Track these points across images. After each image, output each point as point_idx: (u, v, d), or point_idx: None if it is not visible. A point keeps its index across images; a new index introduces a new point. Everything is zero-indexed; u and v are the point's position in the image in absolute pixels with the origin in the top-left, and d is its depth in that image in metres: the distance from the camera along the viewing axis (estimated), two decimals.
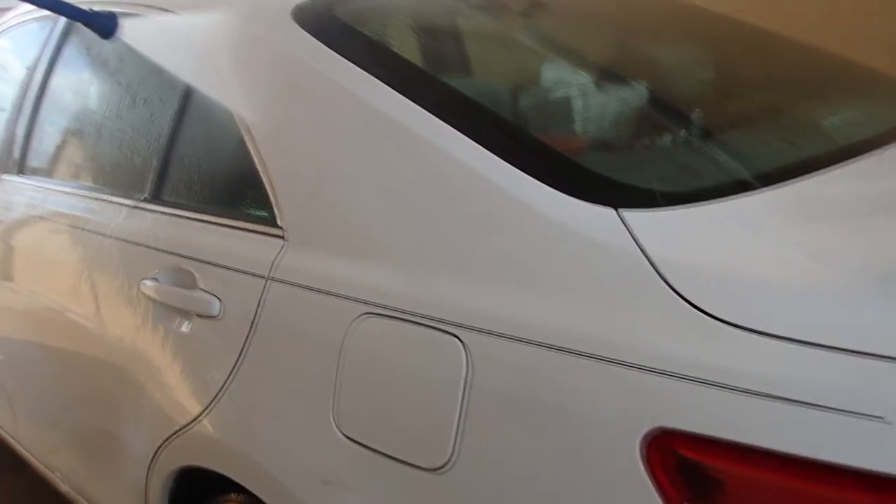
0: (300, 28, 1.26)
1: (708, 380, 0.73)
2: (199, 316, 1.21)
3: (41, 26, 2.03)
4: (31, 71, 1.87)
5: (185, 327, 1.24)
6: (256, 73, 1.28)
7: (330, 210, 1.09)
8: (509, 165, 0.97)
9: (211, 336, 1.19)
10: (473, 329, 0.89)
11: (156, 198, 1.38)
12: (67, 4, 1.53)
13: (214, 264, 1.20)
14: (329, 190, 1.10)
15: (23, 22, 2.13)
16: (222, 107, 1.29)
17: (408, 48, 1.31)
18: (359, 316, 0.99)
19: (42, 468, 1.81)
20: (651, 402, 0.76)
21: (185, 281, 1.24)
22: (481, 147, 0.99)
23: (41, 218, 1.66)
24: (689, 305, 0.78)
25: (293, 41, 1.25)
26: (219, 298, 1.18)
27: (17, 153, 1.85)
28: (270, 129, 1.21)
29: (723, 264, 0.82)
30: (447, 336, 0.90)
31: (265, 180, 1.18)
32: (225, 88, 1.29)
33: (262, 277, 1.12)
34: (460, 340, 0.89)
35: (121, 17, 1.57)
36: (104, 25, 1.55)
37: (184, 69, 1.41)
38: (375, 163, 1.07)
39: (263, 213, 1.18)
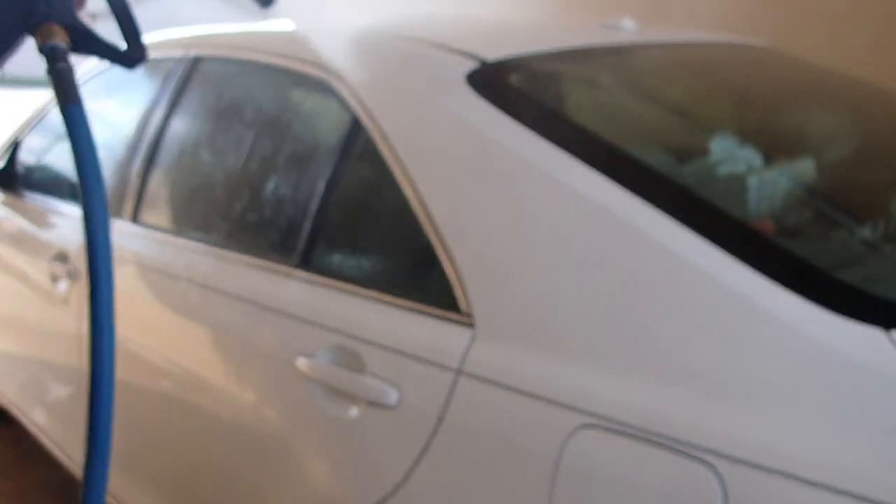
0: (477, 94, 1.20)
1: None
2: (370, 403, 1.13)
3: (156, 66, 1.99)
4: (149, 112, 1.82)
5: (351, 414, 1.16)
6: (426, 140, 1.22)
7: (532, 300, 1.02)
8: (751, 270, 0.89)
9: (384, 428, 1.12)
10: (731, 459, 0.81)
11: (309, 264, 1.31)
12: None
13: (389, 348, 1.13)
14: (529, 276, 1.03)
15: None
16: (387, 171, 1.23)
17: (602, 120, 1.23)
18: (577, 428, 0.92)
19: None
20: None
21: (352, 363, 1.17)
22: (714, 246, 0.92)
23: (165, 274, 1.59)
24: None
25: (472, 109, 1.18)
26: (396, 387, 1.10)
27: (131, 199, 1.79)
28: (449, 203, 1.15)
29: None
30: (697, 464, 0.82)
31: (444, 258, 1.11)
32: (390, 152, 1.23)
33: (450, 370, 1.05)
34: (714, 470, 0.81)
35: (265, 67, 1.51)
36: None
37: (339, 128, 1.35)
38: (583, 252, 1.00)
39: (445, 295, 1.10)
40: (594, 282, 0.98)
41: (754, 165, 1.24)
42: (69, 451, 2.07)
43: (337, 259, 1.31)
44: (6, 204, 2.36)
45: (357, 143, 1.30)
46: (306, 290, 1.29)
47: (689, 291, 0.91)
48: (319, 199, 1.32)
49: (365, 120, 1.28)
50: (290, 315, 1.29)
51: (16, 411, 2.46)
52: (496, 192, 1.11)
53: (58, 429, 2.20)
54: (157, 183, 1.74)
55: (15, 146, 2.43)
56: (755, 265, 0.90)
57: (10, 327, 2.39)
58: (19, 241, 2.26)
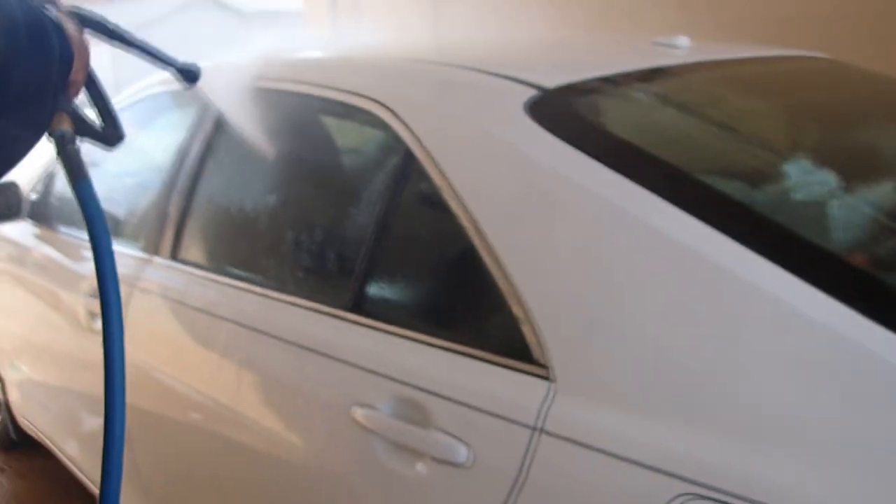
0: (539, 126, 1.12)
1: None
2: (437, 460, 1.06)
3: (193, 96, 1.93)
4: (189, 144, 1.76)
5: (415, 470, 1.09)
6: (487, 176, 1.14)
7: (618, 351, 0.94)
8: (869, 320, 0.80)
9: (453, 487, 1.04)
10: None
11: (364, 308, 1.24)
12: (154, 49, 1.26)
13: (456, 401, 1.05)
14: (613, 325, 0.95)
15: (165, 91, 2.04)
16: (447, 209, 1.15)
17: (680, 150, 1.15)
18: (676, 497, 0.83)
19: None
20: None
21: (417, 416, 1.09)
22: (824, 293, 0.84)
23: (209, 314, 1.53)
24: None
25: (534, 142, 1.11)
26: (465, 444, 1.02)
27: (170, 235, 1.73)
28: (517, 243, 1.07)
29: None
30: None
31: (514, 302, 1.03)
32: (448, 189, 1.15)
33: (528, 427, 0.97)
34: None
35: (310, 98, 1.44)
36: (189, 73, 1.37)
37: (392, 163, 1.28)
38: (673, 299, 0.92)
39: (517, 344, 1.03)
40: (689, 332, 0.89)
41: (839, 193, 1.15)
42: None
43: (394, 302, 1.24)
44: (40, 236, 2.32)
45: (412, 178, 1.23)
46: (362, 335, 1.21)
47: (807, 346, 0.82)
48: (374, 239, 1.24)
49: (419, 154, 1.20)
50: (345, 362, 1.21)
51: (48, 442, 2.41)
52: (569, 230, 1.03)
53: (90, 461, 2.15)
54: (198, 218, 1.68)
55: (49, 178, 2.39)
56: (872, 314, 0.81)
57: (43, 358, 2.34)
58: (53, 273, 2.21)
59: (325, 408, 1.23)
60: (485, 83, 1.26)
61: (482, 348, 1.07)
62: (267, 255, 1.49)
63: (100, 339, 1.79)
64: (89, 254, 2.00)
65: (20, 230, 2.39)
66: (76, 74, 0.88)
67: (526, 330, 1.02)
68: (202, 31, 26.47)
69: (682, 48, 1.56)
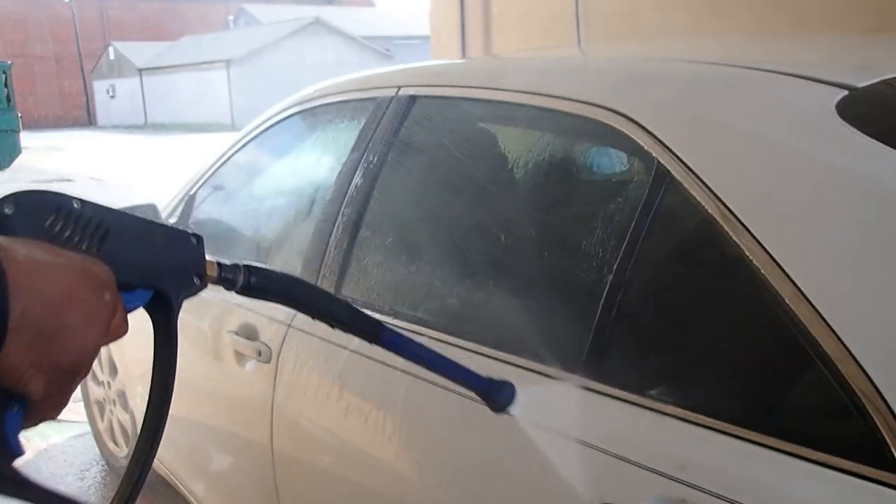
0: (863, 135, 0.83)
1: None
2: None
3: (349, 109, 1.72)
4: (350, 169, 1.54)
5: None
6: (789, 199, 0.85)
7: None
8: None
9: None
10: None
11: (606, 374, 0.96)
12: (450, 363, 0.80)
13: None
14: None
15: (306, 110, 1.84)
16: (728, 245, 0.87)
17: None
18: None
19: None
20: None
21: None
22: None
23: (382, 364, 1.28)
24: None
25: (864, 156, 0.82)
26: None
27: (331, 273, 1.51)
28: (848, 292, 0.78)
29: None
30: None
31: (852, 378, 0.74)
32: (729, 219, 0.87)
33: None
34: None
35: (514, 106, 1.19)
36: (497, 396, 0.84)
37: (637, 186, 1.01)
38: None
39: (864, 441, 0.73)
40: None
41: None
42: None
43: (650, 369, 0.96)
44: None
45: (670, 207, 0.96)
46: (610, 410, 0.94)
47: None
48: (620, 285, 0.97)
49: (681, 176, 0.93)
50: (582, 443, 0.94)
51: (174, 479, 2.24)
52: None
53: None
54: (369, 251, 1.45)
55: (188, 201, 2.24)
56: None
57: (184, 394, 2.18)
58: (198, 307, 2.03)
59: (551, 499, 0.96)
60: (775, 84, 0.97)
61: (803, 443, 0.78)
62: (465, 301, 1.23)
63: (244, 378, 1.59)
64: None
65: None
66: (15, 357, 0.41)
67: (877, 420, 0.72)
68: (314, 57, 27.22)
69: None
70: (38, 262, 0.41)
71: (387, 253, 1.44)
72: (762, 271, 0.83)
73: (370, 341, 0.69)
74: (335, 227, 1.53)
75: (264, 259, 1.88)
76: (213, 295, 1.87)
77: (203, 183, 2.22)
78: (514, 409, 0.78)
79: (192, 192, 2.24)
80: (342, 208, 1.52)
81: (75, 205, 0.48)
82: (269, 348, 1.56)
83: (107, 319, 0.44)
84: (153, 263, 0.53)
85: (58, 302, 0.40)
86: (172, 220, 2.23)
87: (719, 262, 0.91)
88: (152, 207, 2.14)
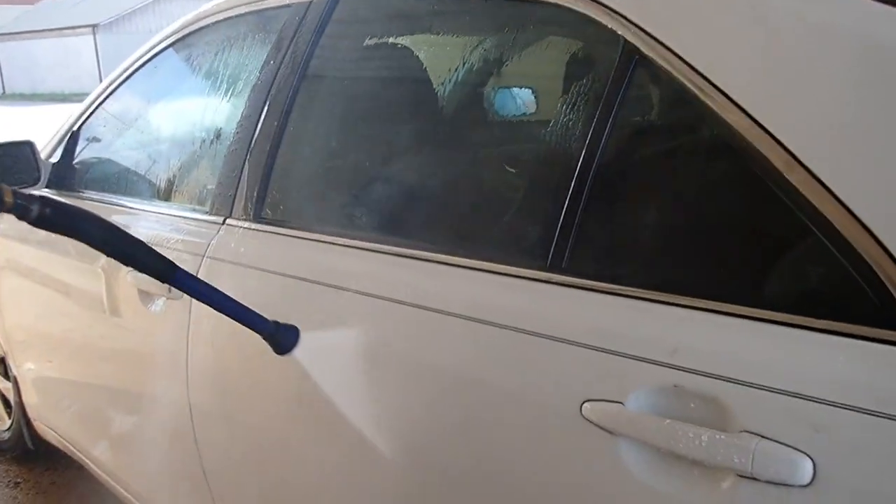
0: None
1: None
2: (746, 477, 0.71)
3: (254, 26, 1.57)
4: (263, 87, 1.40)
5: (700, 488, 0.74)
6: (793, 71, 0.80)
7: None
8: None
9: None
10: None
11: (585, 265, 0.89)
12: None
13: (775, 390, 0.71)
14: None
15: (214, 24, 1.68)
16: (707, 117, 0.81)
17: None
18: None
19: None
20: None
21: (704, 413, 0.75)
22: None
23: (325, 285, 1.16)
24: None
25: (855, 13, 0.77)
26: (810, 458, 0.68)
27: (247, 194, 1.37)
28: (847, 164, 0.73)
29: None
30: None
31: (861, 245, 0.70)
32: (710, 92, 0.81)
33: None
34: None
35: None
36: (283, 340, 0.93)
37: (600, 67, 0.93)
38: None
39: (869, 304, 0.69)
40: None
41: None
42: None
43: (634, 256, 0.89)
44: None
45: (640, 84, 0.89)
46: (589, 302, 0.87)
47: None
48: (598, 169, 0.89)
49: (654, 53, 0.86)
50: (560, 340, 0.87)
51: (73, 448, 2.04)
52: None
53: (127, 467, 1.80)
54: (290, 174, 1.32)
55: (70, 138, 2.02)
56: None
57: (70, 352, 1.97)
58: (77, 249, 1.83)
59: (537, 407, 0.88)
60: None
61: (806, 313, 0.73)
62: (417, 207, 1.13)
63: (157, 322, 1.44)
64: (136, 221, 1.64)
65: None
66: None
67: (884, 279, 0.68)
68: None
69: None
70: None
71: (316, 168, 1.31)
72: (747, 139, 0.77)
73: (162, 280, 0.72)
74: (250, 148, 1.39)
75: (167, 194, 1.71)
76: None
77: (87, 117, 2.00)
78: (298, 351, 0.87)
79: (74, 129, 2.02)
80: (258, 126, 1.38)
81: None
82: None
83: None
84: None
85: None
86: (53, 160, 2.01)
87: (696, 133, 0.85)
88: (28, 144, 1.91)
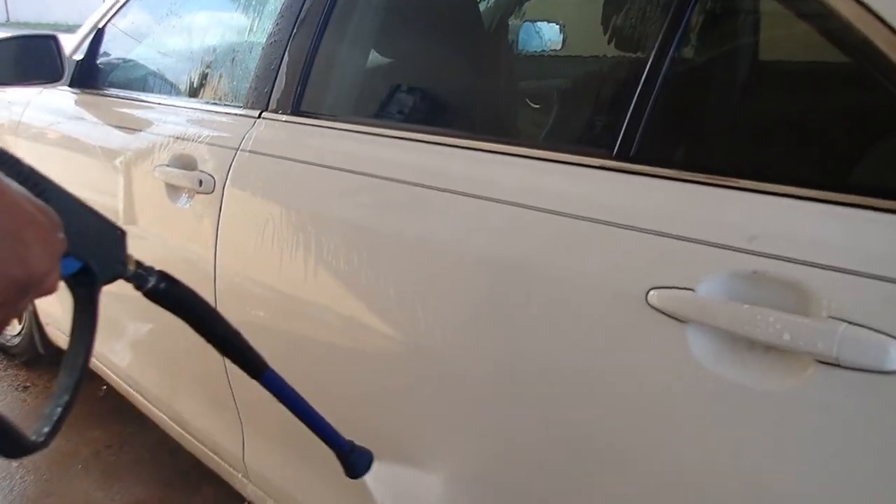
0: None
1: None
2: (829, 363, 0.68)
3: None
4: None
5: (780, 376, 0.72)
6: None
7: None
8: None
9: (872, 399, 0.67)
10: None
11: (640, 156, 0.85)
12: None
13: (859, 273, 0.68)
14: None
15: None
16: None
17: None
18: None
19: None
20: None
21: (783, 298, 0.72)
22: None
23: (372, 176, 1.12)
24: None
25: None
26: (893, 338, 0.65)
27: (285, 87, 1.33)
28: None
29: None
30: None
31: None
32: None
33: None
34: None
35: None
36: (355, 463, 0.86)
37: None
38: None
39: None
40: None
41: None
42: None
43: (711, 144, 0.85)
44: (84, 103, 1.89)
45: None
46: (657, 190, 0.83)
47: None
48: (670, 61, 0.85)
49: None
50: (627, 228, 0.83)
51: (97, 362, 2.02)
52: None
53: (143, 372, 1.77)
54: (335, 59, 1.27)
55: (96, 35, 1.95)
56: None
57: None
58: (115, 143, 1.76)
59: (595, 294, 0.85)
60: None
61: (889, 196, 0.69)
62: (469, 98, 1.08)
63: (185, 218, 1.40)
64: (165, 116, 1.60)
65: (61, 99, 1.96)
66: None
67: None
68: None
69: None
70: (3, 181, 0.40)
71: (359, 61, 1.27)
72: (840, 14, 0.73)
73: (251, 375, 0.71)
74: (290, 41, 1.34)
75: (198, 90, 1.66)
76: (142, 131, 1.64)
77: (115, 14, 1.94)
78: (368, 477, 0.84)
79: (101, 26, 1.96)
80: (299, 19, 1.33)
81: (16, 157, 0.47)
82: (213, 177, 1.37)
83: (58, 255, 0.43)
84: (84, 239, 0.52)
85: (20, 217, 0.40)
86: (77, 57, 1.95)
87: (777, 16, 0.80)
88: (53, 38, 1.85)
